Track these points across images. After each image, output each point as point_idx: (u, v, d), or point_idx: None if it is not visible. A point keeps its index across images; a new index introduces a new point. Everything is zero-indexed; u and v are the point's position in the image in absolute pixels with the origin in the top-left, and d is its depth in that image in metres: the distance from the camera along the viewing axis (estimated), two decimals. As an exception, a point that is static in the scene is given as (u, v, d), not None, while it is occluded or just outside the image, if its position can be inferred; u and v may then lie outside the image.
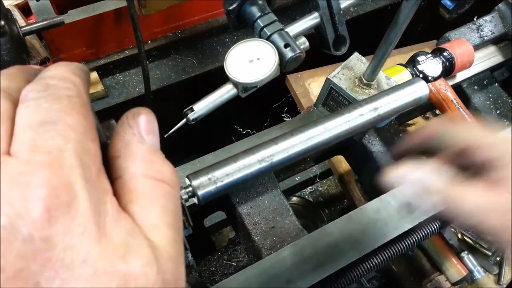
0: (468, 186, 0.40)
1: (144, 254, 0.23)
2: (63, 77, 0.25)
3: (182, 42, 0.94)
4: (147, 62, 0.87)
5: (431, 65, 0.70)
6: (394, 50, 0.57)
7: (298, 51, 0.52)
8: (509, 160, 0.40)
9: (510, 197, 0.38)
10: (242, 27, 0.58)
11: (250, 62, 0.51)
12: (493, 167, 0.40)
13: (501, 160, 0.40)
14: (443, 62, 0.71)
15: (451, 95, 0.70)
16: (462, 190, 0.40)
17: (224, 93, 0.52)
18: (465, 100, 0.80)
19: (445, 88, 0.70)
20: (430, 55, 0.71)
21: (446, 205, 0.40)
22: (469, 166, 0.42)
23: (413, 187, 0.42)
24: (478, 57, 0.76)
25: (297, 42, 0.54)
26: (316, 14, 0.57)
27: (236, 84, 0.52)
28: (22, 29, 0.62)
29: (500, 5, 0.82)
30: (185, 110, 0.52)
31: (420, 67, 0.70)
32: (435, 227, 0.67)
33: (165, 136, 0.47)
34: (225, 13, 0.57)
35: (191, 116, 0.51)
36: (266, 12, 0.55)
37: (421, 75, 0.69)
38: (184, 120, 0.51)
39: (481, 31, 0.80)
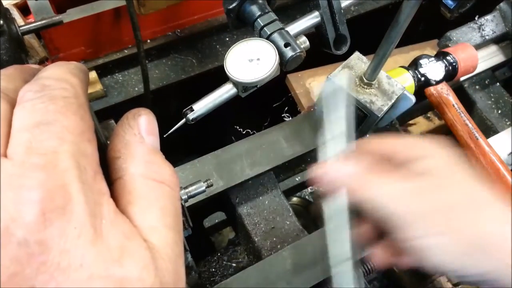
0: (383, 174, 0.43)
1: (141, 256, 0.23)
2: (60, 78, 0.25)
3: (181, 42, 0.94)
4: (147, 62, 0.87)
5: (434, 69, 0.70)
6: (395, 49, 0.57)
7: (299, 50, 0.52)
8: (426, 154, 0.43)
9: (427, 183, 0.41)
10: (242, 26, 0.58)
11: (250, 61, 0.51)
12: (411, 162, 0.43)
13: (420, 159, 0.43)
14: (446, 66, 0.70)
15: (452, 99, 0.69)
16: (377, 177, 0.42)
17: (224, 92, 0.52)
18: (466, 100, 0.79)
19: (446, 92, 0.70)
20: (432, 59, 0.71)
21: (360, 192, 0.42)
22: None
23: (333, 178, 0.44)
24: (480, 56, 0.75)
25: (298, 41, 0.54)
26: (316, 13, 0.57)
27: (236, 84, 0.51)
28: (21, 28, 0.61)
29: (501, 4, 0.81)
30: (184, 110, 0.51)
31: (422, 70, 0.69)
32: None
33: (164, 136, 0.47)
34: (225, 12, 0.56)
35: (191, 116, 0.51)
36: (266, 11, 0.55)
37: (423, 78, 0.69)
38: (184, 120, 0.51)
39: (483, 30, 0.80)
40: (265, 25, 0.54)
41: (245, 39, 0.52)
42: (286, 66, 0.53)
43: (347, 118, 0.45)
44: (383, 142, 0.47)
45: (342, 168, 0.45)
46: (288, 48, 0.52)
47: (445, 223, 0.40)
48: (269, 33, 0.53)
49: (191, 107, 0.51)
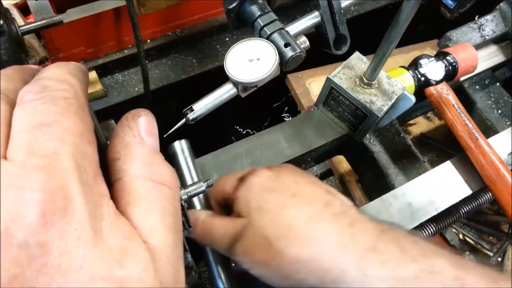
0: (220, 217, 0.50)
1: (141, 257, 0.23)
2: (60, 78, 0.25)
3: (181, 42, 0.94)
4: (147, 62, 0.87)
5: (434, 69, 0.70)
6: (395, 49, 0.57)
7: (299, 50, 0.52)
8: (241, 198, 0.48)
9: (242, 224, 0.46)
10: (242, 26, 0.58)
11: (250, 61, 0.51)
12: (234, 205, 0.49)
13: (237, 200, 0.49)
14: (446, 66, 0.70)
15: (452, 99, 0.69)
16: (216, 220, 0.49)
17: (224, 92, 0.52)
18: (466, 100, 0.79)
19: (446, 92, 0.69)
20: (432, 59, 0.71)
21: (204, 233, 0.49)
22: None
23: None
24: (480, 56, 0.75)
25: (298, 41, 0.54)
26: (316, 13, 0.57)
27: (236, 84, 0.51)
28: (21, 28, 0.61)
29: (501, 4, 0.81)
30: (184, 110, 0.51)
31: (422, 70, 0.69)
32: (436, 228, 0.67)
33: (164, 136, 0.47)
34: (225, 12, 0.56)
35: (191, 116, 0.51)
36: (266, 11, 0.55)
37: (423, 78, 0.69)
38: (184, 120, 0.51)
39: (483, 30, 0.80)
40: (265, 25, 0.54)
41: (245, 39, 0.52)
42: (286, 66, 0.53)
43: (195, 170, 0.59)
44: (219, 187, 0.53)
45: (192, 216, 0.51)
46: (288, 48, 0.52)
47: (259, 257, 0.44)
48: (269, 33, 0.53)
49: (191, 107, 0.51)
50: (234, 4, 0.55)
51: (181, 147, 0.60)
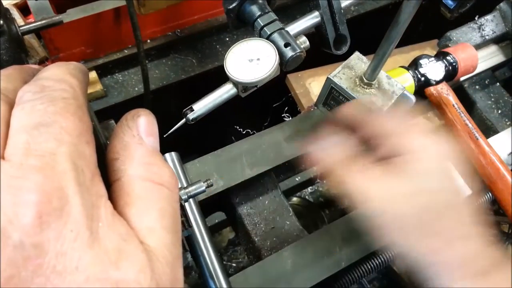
0: (368, 168, 0.41)
1: (138, 259, 0.23)
2: (59, 78, 0.25)
3: (181, 42, 0.94)
4: (147, 62, 0.87)
5: (434, 69, 0.70)
6: (395, 49, 0.57)
7: (299, 50, 0.52)
8: (419, 150, 0.40)
9: (409, 189, 0.38)
10: (242, 26, 0.58)
11: (250, 61, 0.51)
12: (400, 156, 0.40)
13: (416, 153, 0.40)
14: (446, 66, 0.70)
15: (452, 99, 0.69)
16: (364, 174, 0.40)
17: (224, 92, 0.52)
18: (466, 100, 0.79)
19: (447, 92, 0.69)
20: (432, 59, 0.70)
21: (345, 186, 0.41)
22: (374, 148, 0.42)
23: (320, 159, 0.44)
24: (480, 56, 0.75)
25: (298, 41, 0.54)
26: (316, 13, 0.57)
27: (236, 84, 0.51)
28: (21, 28, 0.61)
29: (501, 4, 0.81)
30: (184, 110, 0.51)
31: (422, 70, 0.69)
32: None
33: (164, 136, 0.47)
34: (225, 12, 0.56)
35: (191, 116, 0.51)
36: (266, 11, 0.55)
37: (423, 78, 0.69)
38: (184, 120, 0.51)
39: (483, 30, 0.80)
40: (265, 25, 0.54)
41: (245, 39, 0.52)
42: (286, 66, 0.53)
43: (186, 180, 0.61)
44: (371, 120, 0.44)
45: (324, 151, 0.44)
46: (288, 48, 0.52)
47: (434, 231, 0.39)
48: (269, 33, 0.53)
49: (191, 107, 0.51)
50: (234, 4, 0.55)
51: (171, 158, 0.62)
